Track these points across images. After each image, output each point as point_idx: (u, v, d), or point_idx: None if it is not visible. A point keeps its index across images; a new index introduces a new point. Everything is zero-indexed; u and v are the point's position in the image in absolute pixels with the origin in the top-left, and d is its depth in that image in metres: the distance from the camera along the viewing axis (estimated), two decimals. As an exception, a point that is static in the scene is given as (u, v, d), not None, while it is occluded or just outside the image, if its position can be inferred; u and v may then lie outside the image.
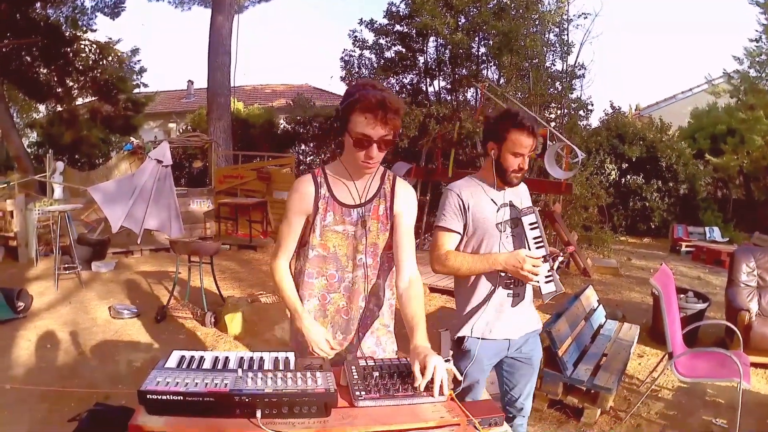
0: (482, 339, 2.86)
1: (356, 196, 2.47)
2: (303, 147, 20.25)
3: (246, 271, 9.95)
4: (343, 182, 2.47)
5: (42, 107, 22.75)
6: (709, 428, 4.51)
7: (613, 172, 15.60)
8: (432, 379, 1.95)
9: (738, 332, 5.12)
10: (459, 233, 2.85)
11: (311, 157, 19.90)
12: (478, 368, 2.87)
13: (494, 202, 2.84)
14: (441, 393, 1.93)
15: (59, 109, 19.83)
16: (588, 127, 16.03)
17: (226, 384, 1.72)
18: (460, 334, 2.92)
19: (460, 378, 2.07)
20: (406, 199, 2.54)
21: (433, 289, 8.59)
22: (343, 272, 2.49)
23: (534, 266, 2.59)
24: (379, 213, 2.48)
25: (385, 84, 16.71)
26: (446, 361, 2.21)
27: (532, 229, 2.71)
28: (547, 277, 2.64)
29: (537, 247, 2.68)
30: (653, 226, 15.91)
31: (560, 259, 2.73)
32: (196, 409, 1.67)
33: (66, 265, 8.44)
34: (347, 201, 2.46)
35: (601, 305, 6.16)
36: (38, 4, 16.77)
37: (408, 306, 2.40)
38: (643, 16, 60.01)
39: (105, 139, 21.20)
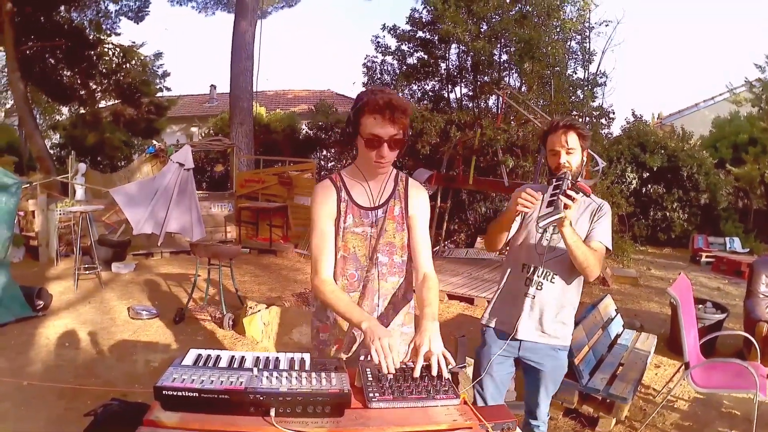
0: (492, 327, 3.08)
1: (372, 198, 2.55)
2: (324, 153, 20.31)
3: (265, 275, 10.00)
4: (359, 185, 2.55)
5: (65, 109, 22.95)
6: (725, 440, 4.48)
7: (634, 181, 15.50)
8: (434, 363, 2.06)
9: (756, 343, 5.07)
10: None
11: (332, 163, 19.95)
12: (485, 354, 3.03)
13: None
14: (441, 376, 2.03)
15: (82, 111, 20.02)
16: (609, 135, 16.02)
17: (241, 382, 1.74)
18: (482, 321, 3.16)
19: (451, 361, 2.09)
20: (420, 200, 2.62)
21: (451, 296, 8.60)
22: (362, 272, 2.57)
23: (528, 194, 2.57)
24: (395, 213, 2.56)
25: (407, 90, 16.86)
26: (461, 367, 2.21)
27: (557, 180, 2.66)
28: (550, 202, 2.59)
29: (553, 189, 2.61)
30: (673, 236, 15.79)
31: (572, 193, 2.62)
32: (210, 406, 1.69)
33: (86, 266, 8.53)
34: (364, 203, 2.54)
35: (618, 314, 6.13)
36: (62, 7, 16.96)
37: (421, 294, 2.47)
38: (665, 24, 59.77)
39: (127, 141, 21.36)
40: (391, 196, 2.57)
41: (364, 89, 2.46)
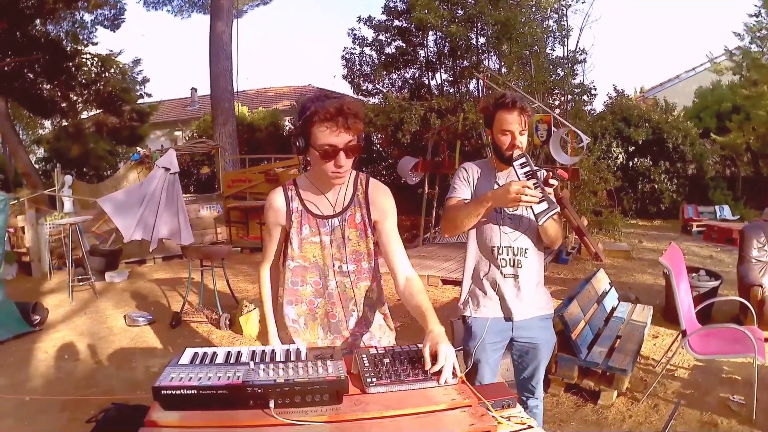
0: (480, 318, 2.97)
1: (330, 206, 2.45)
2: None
3: (258, 273, 9.96)
4: (315, 194, 2.46)
5: (47, 123, 22.85)
6: (726, 405, 4.51)
7: (620, 156, 15.59)
8: (443, 367, 1.95)
9: (751, 308, 5.11)
10: (467, 200, 2.92)
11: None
12: (480, 347, 2.95)
13: (498, 183, 2.88)
14: (446, 381, 1.93)
15: (65, 123, 19.92)
16: (593, 111, 16.03)
17: (238, 376, 1.74)
18: (462, 313, 3.06)
19: (459, 372, 2.04)
20: (382, 202, 2.47)
21: (445, 281, 8.63)
22: (326, 279, 2.49)
23: (522, 187, 2.50)
24: (356, 221, 2.45)
25: (386, 79, 16.85)
26: (458, 350, 2.22)
27: (522, 166, 2.70)
28: (540, 198, 2.56)
29: (528, 179, 2.66)
30: (663, 208, 15.91)
31: (554, 182, 2.66)
32: (210, 403, 1.69)
33: (80, 277, 8.52)
34: (321, 212, 2.45)
35: (613, 288, 6.16)
36: (38, 21, 16.82)
37: (411, 300, 2.35)
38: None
39: (112, 150, 21.30)
40: (350, 204, 2.46)
41: (308, 96, 2.34)
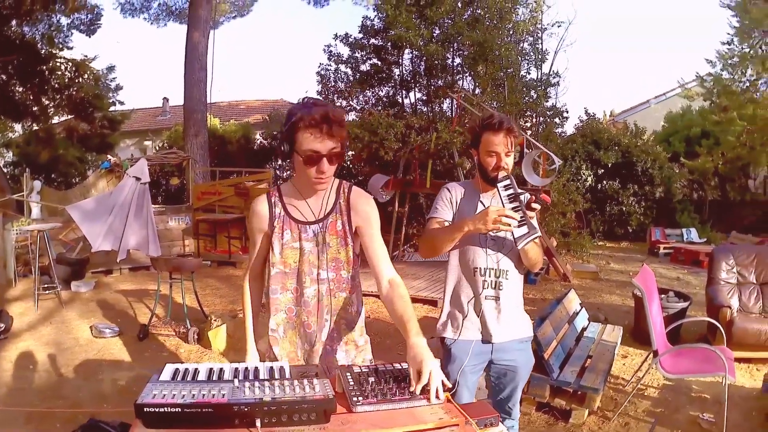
0: (461, 340, 2.95)
1: (312, 212, 2.49)
2: (280, 162, 20.26)
3: (226, 287, 9.90)
4: (297, 200, 2.50)
5: (18, 126, 22.49)
6: (696, 423, 4.56)
7: (589, 178, 15.74)
8: (429, 383, 1.95)
9: (721, 328, 5.20)
10: (448, 221, 2.93)
11: (288, 172, 19.90)
12: (457, 368, 2.92)
13: (482, 204, 2.88)
14: (437, 397, 1.93)
15: (35, 128, 19.63)
16: (563, 134, 16.25)
17: (223, 394, 1.72)
18: (441, 335, 3.03)
19: (448, 384, 2.03)
20: (364, 210, 2.51)
21: (414, 299, 8.58)
22: (302, 286, 2.49)
23: (500, 214, 2.51)
24: (337, 228, 2.48)
25: (360, 97, 16.89)
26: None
27: (506, 188, 2.72)
28: (520, 221, 2.58)
29: (510, 202, 2.69)
30: (630, 230, 16.10)
31: (536, 206, 2.67)
32: (194, 421, 1.66)
33: (45, 285, 8.35)
34: (303, 218, 2.48)
35: (583, 308, 6.22)
36: (14, 22, 16.62)
37: (394, 307, 2.35)
38: (616, 23, 60.71)
39: (81, 157, 21.00)
40: (332, 211, 2.49)
41: (295, 103, 2.41)
